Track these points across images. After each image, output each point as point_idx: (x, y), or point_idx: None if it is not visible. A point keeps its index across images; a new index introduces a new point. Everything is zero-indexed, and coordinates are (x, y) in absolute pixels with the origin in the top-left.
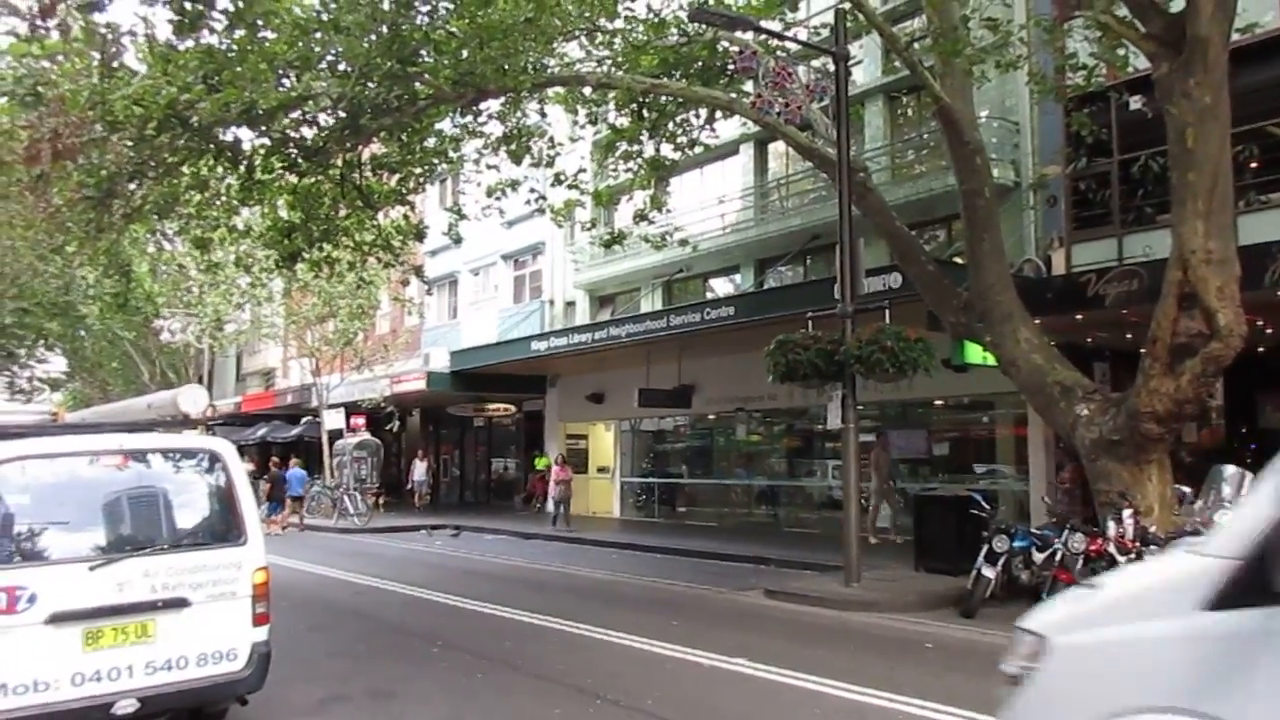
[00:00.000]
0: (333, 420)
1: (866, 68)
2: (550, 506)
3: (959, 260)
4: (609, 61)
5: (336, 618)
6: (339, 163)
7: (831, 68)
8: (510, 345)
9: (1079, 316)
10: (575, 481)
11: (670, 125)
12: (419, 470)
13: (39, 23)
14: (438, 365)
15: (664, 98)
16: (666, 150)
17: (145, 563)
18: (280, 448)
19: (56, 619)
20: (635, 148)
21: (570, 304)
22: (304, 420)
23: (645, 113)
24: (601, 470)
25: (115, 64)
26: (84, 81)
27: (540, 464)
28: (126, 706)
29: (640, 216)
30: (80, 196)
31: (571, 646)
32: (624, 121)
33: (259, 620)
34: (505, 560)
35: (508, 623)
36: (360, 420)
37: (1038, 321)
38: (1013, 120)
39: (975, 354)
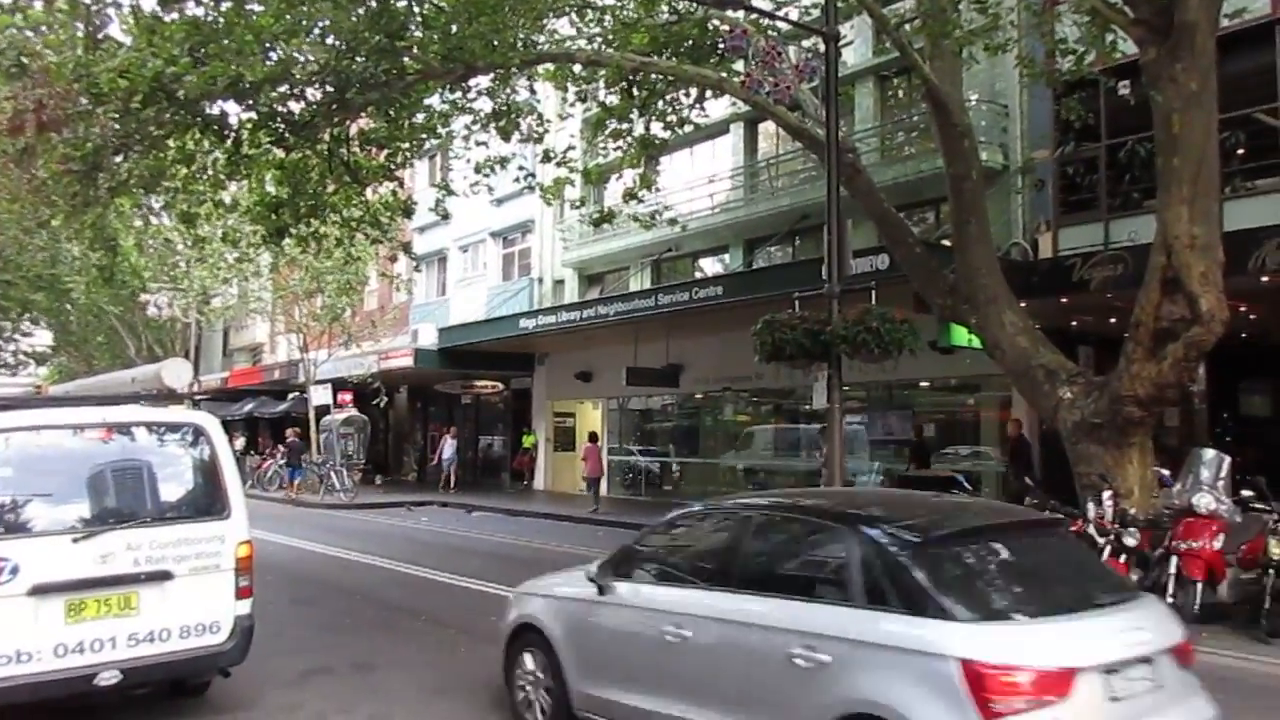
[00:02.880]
0: (320, 396)
1: (857, 49)
2: (586, 488)
3: (946, 243)
4: (599, 39)
5: (321, 592)
6: (327, 137)
7: (822, 48)
8: (499, 323)
9: (1064, 300)
10: (560, 459)
11: (660, 104)
12: (448, 448)
13: None
14: (426, 342)
15: (654, 76)
16: (656, 129)
17: (129, 535)
18: (268, 423)
19: (39, 590)
20: (625, 126)
21: (559, 282)
22: (291, 396)
23: (635, 91)
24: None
25: (100, 35)
26: (68, 53)
27: (527, 442)
28: (109, 678)
29: (630, 195)
30: (65, 169)
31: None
32: (614, 99)
33: (242, 593)
34: (491, 536)
35: (491, 597)
36: (347, 396)
37: (1023, 305)
38: (1002, 104)
39: (961, 336)
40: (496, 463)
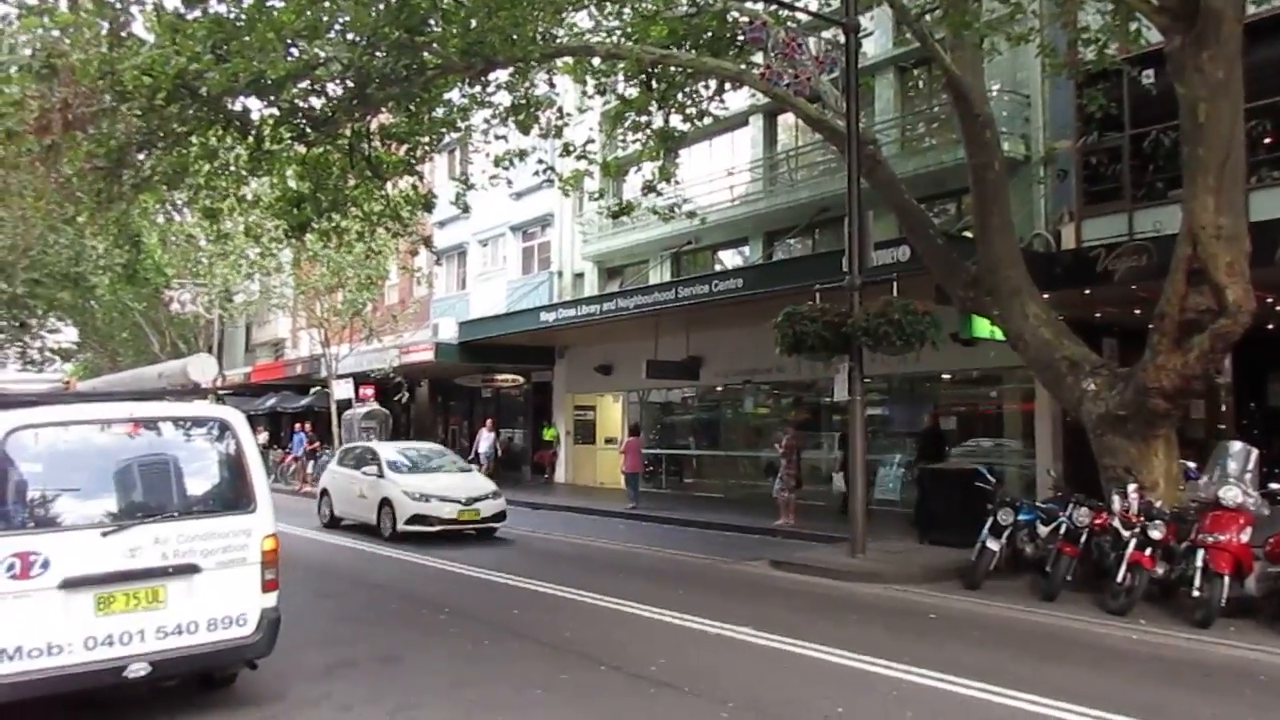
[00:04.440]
0: (342, 390)
1: (877, 40)
2: (624, 482)
3: (968, 234)
4: (618, 32)
5: (346, 585)
6: (347, 132)
7: (841, 39)
8: (519, 316)
9: (1088, 292)
10: (581, 452)
11: (679, 96)
12: (485, 441)
13: None
14: (446, 336)
15: (673, 68)
16: (675, 121)
17: (156, 529)
18: (290, 417)
19: (69, 584)
20: (644, 119)
21: (579, 275)
22: (313, 390)
23: (654, 83)
24: (609, 441)
25: (124, 34)
26: (93, 52)
27: (548, 435)
28: (138, 670)
29: (649, 188)
30: (90, 167)
31: (579, 615)
32: (633, 92)
33: (268, 586)
34: (513, 530)
35: (516, 591)
36: (369, 391)
37: (1046, 296)
38: (1023, 93)
39: (984, 328)
40: (518, 456)
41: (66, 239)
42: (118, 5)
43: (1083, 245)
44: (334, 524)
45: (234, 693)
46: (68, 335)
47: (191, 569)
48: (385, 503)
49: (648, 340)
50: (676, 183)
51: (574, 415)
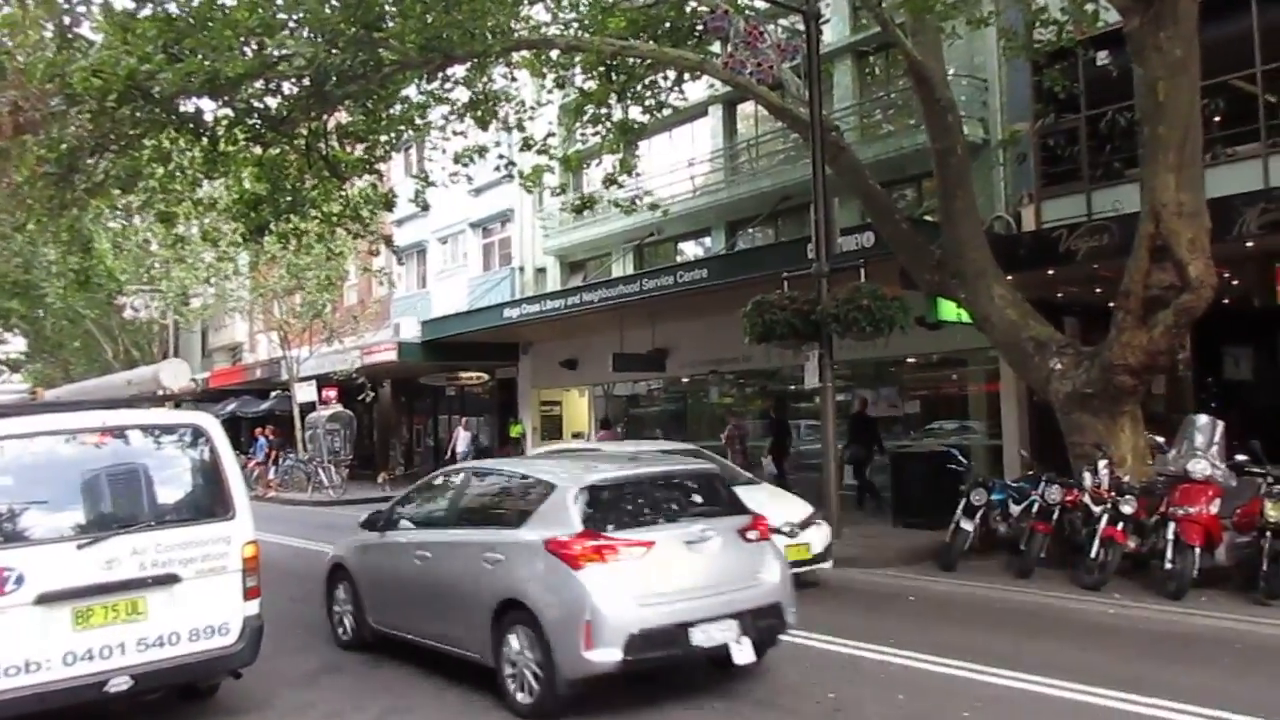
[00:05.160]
0: (304, 393)
1: (834, 26)
2: None
3: (931, 218)
4: (576, 24)
5: (319, 589)
6: (304, 132)
7: (802, 26)
8: (481, 313)
9: (1050, 272)
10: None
11: (638, 87)
12: (462, 440)
13: None
14: (408, 335)
15: (632, 60)
16: (635, 113)
17: (134, 540)
18: (250, 422)
19: (45, 599)
20: (603, 111)
21: (541, 271)
22: (273, 394)
23: (613, 75)
24: (576, 436)
25: (71, 34)
26: (39, 55)
27: (515, 431)
28: (120, 684)
29: (610, 181)
30: (41, 172)
31: None
32: (592, 85)
33: (250, 594)
34: None
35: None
36: (332, 393)
37: (1010, 278)
38: (981, 77)
39: (949, 311)
40: (484, 453)
41: (16, 246)
42: (65, 4)
43: (1043, 226)
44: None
45: (219, 703)
46: (16, 345)
47: (171, 579)
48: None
49: (612, 333)
50: (637, 175)
51: (540, 411)
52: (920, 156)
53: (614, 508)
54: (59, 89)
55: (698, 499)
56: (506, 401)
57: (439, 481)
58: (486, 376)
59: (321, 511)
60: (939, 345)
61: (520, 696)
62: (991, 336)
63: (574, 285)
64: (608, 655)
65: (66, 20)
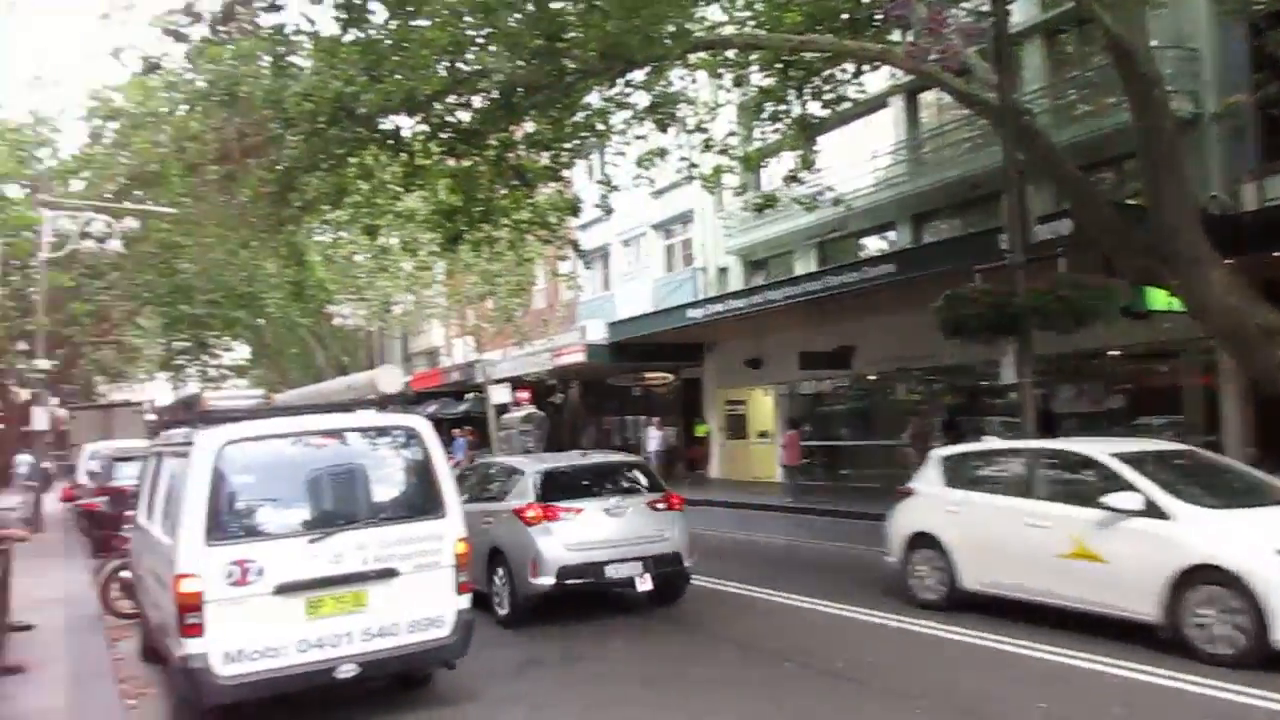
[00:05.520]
0: (498, 395)
1: (1021, 6)
2: (783, 475)
3: (1134, 201)
4: (751, 22)
5: None
6: (494, 143)
7: (987, 8)
8: (665, 314)
9: (1277, 254)
10: (734, 447)
11: (817, 81)
12: (654, 439)
13: (219, 27)
14: (595, 337)
15: (809, 54)
16: (814, 108)
17: (357, 536)
18: (449, 423)
19: (282, 589)
20: (782, 108)
21: (723, 270)
22: (469, 396)
23: (790, 71)
24: (762, 435)
25: (285, 63)
26: (259, 82)
27: (700, 431)
28: (347, 671)
29: (790, 178)
30: (262, 192)
31: (753, 610)
32: (770, 81)
33: (462, 589)
34: None
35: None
36: (524, 394)
37: (1229, 261)
38: (1190, 46)
39: (1159, 300)
40: (670, 452)
41: (240, 261)
42: (278, 35)
43: (1267, 204)
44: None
45: (433, 692)
46: (241, 353)
47: (391, 573)
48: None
49: (797, 332)
50: (817, 170)
51: (725, 410)
52: (1121, 136)
53: (560, 487)
54: (276, 114)
55: (624, 483)
56: (691, 401)
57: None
58: (671, 377)
59: None
60: (1146, 336)
61: (500, 611)
62: (1210, 325)
63: (757, 284)
64: (546, 581)
65: (281, 50)
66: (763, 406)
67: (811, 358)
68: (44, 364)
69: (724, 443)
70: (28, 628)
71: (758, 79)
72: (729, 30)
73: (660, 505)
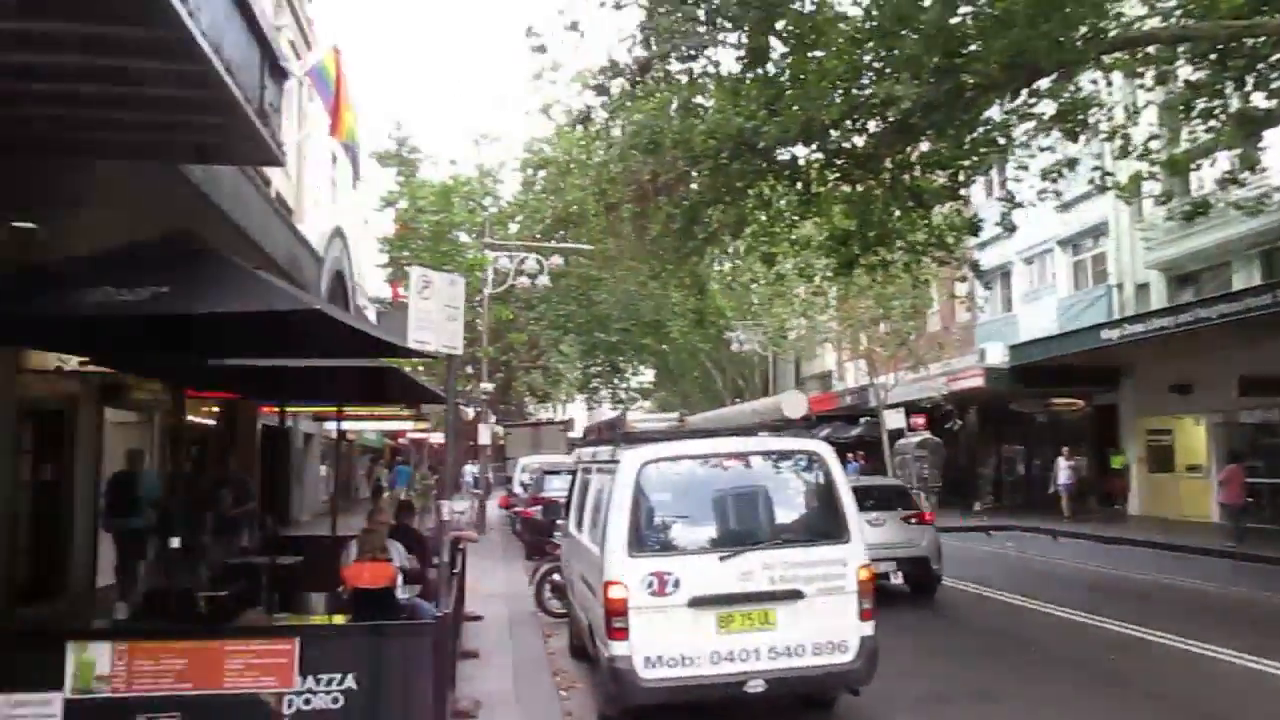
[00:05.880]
0: (893, 420)
1: None
2: (1221, 515)
3: None
4: (1178, 12)
5: (920, 617)
6: (889, 165)
7: None
8: (1075, 336)
9: None
10: (1159, 481)
11: (1262, 68)
12: (1064, 472)
13: (637, 78)
14: (994, 360)
15: (1251, 40)
16: (1258, 99)
17: (763, 555)
18: (842, 447)
19: (696, 603)
20: (1217, 103)
21: (1142, 286)
22: (862, 420)
23: (1229, 61)
24: (1191, 469)
25: (691, 104)
26: (670, 124)
27: (1116, 462)
28: (756, 686)
29: (1228, 180)
30: (670, 227)
31: (1183, 665)
32: (1201, 75)
33: (865, 615)
34: (1085, 565)
35: (1104, 633)
36: (920, 419)
37: None
38: None
39: None
40: (1081, 485)
41: (648, 291)
42: (684, 79)
43: None
44: None
45: (837, 716)
46: (646, 377)
47: (795, 594)
48: None
49: (1236, 353)
50: (1263, 170)
51: (1146, 440)
52: None
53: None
54: (683, 153)
55: (888, 499)
56: (1105, 430)
57: None
58: (1082, 403)
59: None
60: None
61: None
62: None
63: (1185, 300)
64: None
65: (687, 94)
66: (1193, 437)
67: (1256, 383)
68: (487, 386)
69: (1145, 476)
70: (478, 618)
71: (1185, 73)
72: (1152, 24)
73: (913, 520)
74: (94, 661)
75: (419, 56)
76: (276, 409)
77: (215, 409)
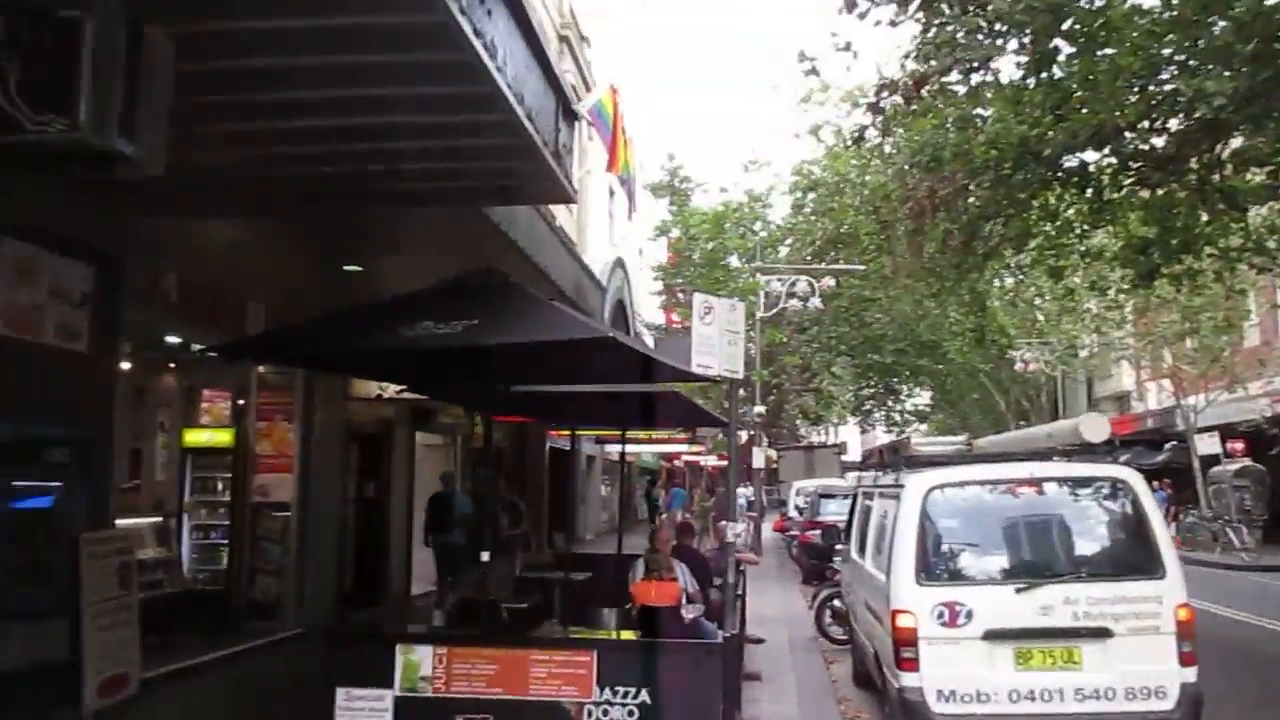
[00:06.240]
0: (1205, 445)
1: None
2: None
3: None
4: None
5: (1246, 662)
6: (1194, 166)
7: None
8: None
9: None
10: None
11: None
12: None
13: (913, 94)
14: None
15: None
16: None
17: (1065, 589)
18: (1146, 474)
19: (991, 636)
20: None
21: None
22: (1168, 445)
23: None
24: None
25: (969, 115)
26: (948, 137)
27: None
28: None
29: None
30: (953, 243)
31: None
32: None
33: (1186, 660)
34: None
35: None
36: (1238, 444)
37: None
38: None
39: None
40: None
41: (924, 311)
42: (961, 90)
43: None
44: None
45: None
46: (922, 399)
47: (1103, 632)
48: None
49: None
50: None
51: None
52: None
53: None
54: (962, 166)
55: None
56: None
57: None
58: None
59: (1231, 576)
60: None
61: None
62: None
63: None
64: None
65: (965, 106)
66: None
67: None
68: (760, 409)
69: None
70: (761, 641)
71: None
72: None
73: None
74: (419, 663)
75: (689, 89)
76: (567, 432)
77: (508, 432)
